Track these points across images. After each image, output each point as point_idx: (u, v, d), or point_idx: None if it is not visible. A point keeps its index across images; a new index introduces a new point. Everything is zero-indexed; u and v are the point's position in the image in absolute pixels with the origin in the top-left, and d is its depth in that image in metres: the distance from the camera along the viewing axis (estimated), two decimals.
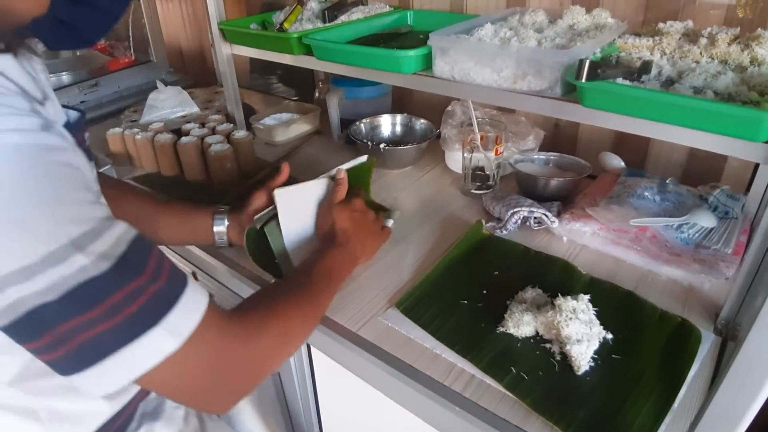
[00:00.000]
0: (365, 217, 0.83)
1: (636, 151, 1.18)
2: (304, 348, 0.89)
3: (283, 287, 0.67)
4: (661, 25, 0.88)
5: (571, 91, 0.74)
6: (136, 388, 0.65)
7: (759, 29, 0.78)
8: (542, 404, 0.62)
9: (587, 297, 0.72)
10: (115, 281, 0.42)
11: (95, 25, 0.51)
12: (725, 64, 0.74)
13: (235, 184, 1.16)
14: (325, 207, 0.82)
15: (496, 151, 1.05)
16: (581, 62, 0.64)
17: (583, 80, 0.64)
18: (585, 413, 0.61)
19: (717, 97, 0.64)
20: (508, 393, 0.64)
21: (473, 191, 1.09)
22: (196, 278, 1.05)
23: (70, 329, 0.40)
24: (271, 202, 0.82)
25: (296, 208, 0.83)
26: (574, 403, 0.62)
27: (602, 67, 0.66)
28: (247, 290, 0.88)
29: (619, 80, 0.69)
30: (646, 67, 0.73)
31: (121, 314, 0.41)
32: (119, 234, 0.43)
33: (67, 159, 0.42)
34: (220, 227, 0.85)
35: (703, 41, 0.80)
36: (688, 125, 0.62)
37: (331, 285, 0.72)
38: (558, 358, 0.68)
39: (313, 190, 0.84)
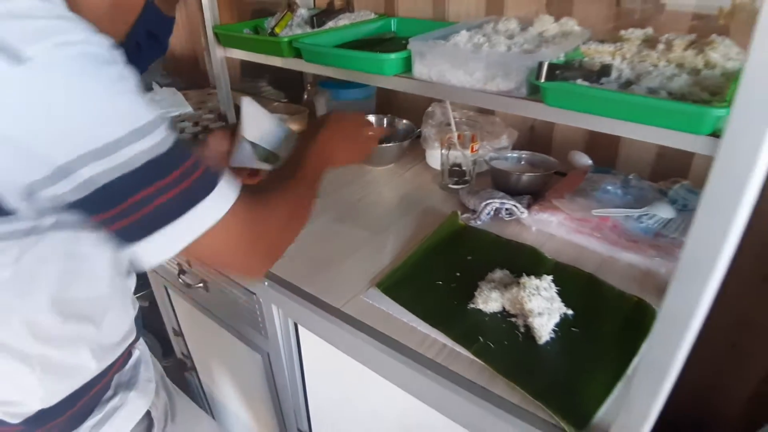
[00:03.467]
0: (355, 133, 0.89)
1: (607, 151, 1.26)
2: (291, 327, 0.95)
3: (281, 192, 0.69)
4: (623, 32, 0.97)
5: (535, 92, 0.81)
6: (116, 355, 0.71)
7: (713, 35, 0.87)
8: (506, 369, 0.69)
9: (550, 277, 0.80)
10: (175, 160, 0.49)
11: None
12: (681, 67, 0.82)
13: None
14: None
15: (472, 148, 1.13)
16: (540, 64, 0.72)
17: (542, 80, 0.72)
18: (545, 377, 0.68)
19: (670, 97, 0.72)
20: (476, 359, 0.71)
21: (451, 186, 1.16)
22: (189, 266, 1.12)
23: (138, 201, 0.47)
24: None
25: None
26: (535, 368, 0.70)
27: (561, 69, 0.75)
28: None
29: (579, 81, 0.77)
30: (605, 70, 0.81)
31: (179, 187, 0.49)
32: (170, 128, 0.51)
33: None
34: None
35: (661, 47, 0.88)
36: (637, 121, 0.70)
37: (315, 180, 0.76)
38: (522, 330, 0.76)
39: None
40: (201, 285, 1.10)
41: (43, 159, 0.44)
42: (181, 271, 1.14)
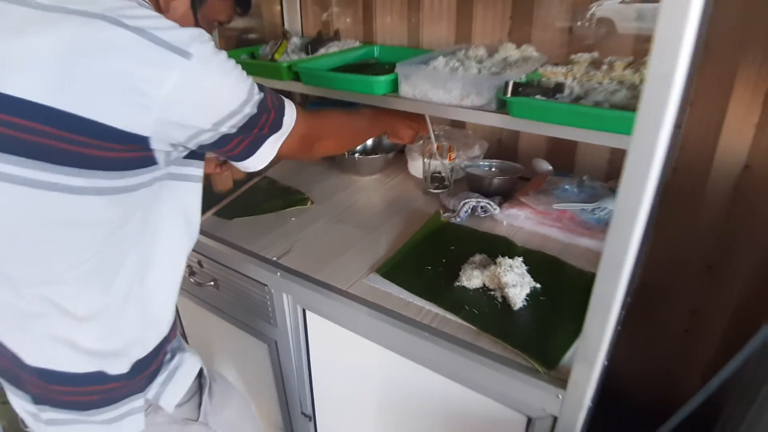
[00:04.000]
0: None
1: (565, 158, 1.45)
2: (300, 315, 1.09)
3: (352, 115, 1.09)
4: (573, 56, 1.16)
5: (503, 106, 0.99)
6: (171, 320, 0.85)
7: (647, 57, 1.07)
8: (489, 327, 0.85)
9: (520, 258, 0.97)
10: (266, 105, 0.75)
11: None
12: (621, 84, 1.01)
13: (231, 190, 1.36)
14: None
15: (450, 157, 1.30)
16: (506, 83, 0.89)
17: (508, 96, 0.90)
18: (521, 334, 0.84)
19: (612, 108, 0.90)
20: (464, 323, 0.87)
21: (432, 190, 1.33)
22: (201, 266, 1.24)
23: (257, 130, 0.76)
24: None
25: None
26: (512, 328, 0.86)
27: (523, 87, 0.92)
28: (249, 267, 1.08)
29: (538, 96, 0.95)
30: (559, 87, 0.99)
31: (275, 109, 0.78)
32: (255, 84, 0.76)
33: None
34: None
35: (605, 67, 1.08)
36: (585, 127, 0.88)
37: (372, 131, 1.17)
38: (500, 300, 0.92)
39: None
40: (212, 283, 1.22)
41: (203, 123, 0.67)
42: (192, 273, 1.25)
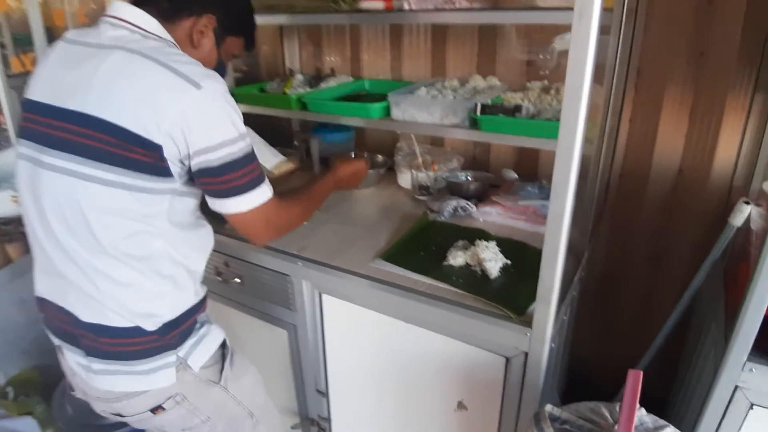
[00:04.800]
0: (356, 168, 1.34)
1: (529, 167, 1.72)
2: (317, 299, 1.32)
3: (306, 191, 1.16)
4: (528, 84, 1.46)
5: (474, 124, 1.26)
6: (201, 295, 1.05)
7: None
8: (472, 290, 1.10)
9: (494, 242, 1.22)
10: (252, 159, 0.92)
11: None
12: None
13: None
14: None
15: (433, 169, 1.57)
16: (476, 105, 1.17)
17: (478, 114, 1.17)
18: (497, 292, 1.09)
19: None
20: (452, 288, 1.11)
21: (419, 197, 1.59)
22: (227, 266, 1.46)
23: (239, 175, 0.89)
24: None
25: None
26: (489, 289, 1.11)
27: (489, 108, 1.20)
28: (272, 261, 1.32)
29: (500, 115, 1.23)
30: (518, 108, 1.27)
31: (255, 172, 0.92)
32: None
33: None
34: None
35: (553, 92, 1.37)
36: (538, 136, 1.16)
37: (327, 193, 1.23)
38: (479, 273, 1.17)
39: None
40: (237, 280, 1.44)
41: (199, 144, 0.85)
42: (218, 273, 1.47)
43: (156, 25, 0.92)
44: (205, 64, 0.94)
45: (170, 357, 0.97)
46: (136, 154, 0.84)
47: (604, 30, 0.78)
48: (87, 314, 0.93)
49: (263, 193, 0.95)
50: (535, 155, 1.69)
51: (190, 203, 0.97)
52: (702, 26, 1.37)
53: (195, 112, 0.83)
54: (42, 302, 1.01)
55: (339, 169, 1.28)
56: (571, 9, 0.74)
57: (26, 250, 1.45)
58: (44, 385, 1.82)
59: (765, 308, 0.84)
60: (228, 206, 0.93)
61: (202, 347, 1.03)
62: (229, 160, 0.88)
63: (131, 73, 0.84)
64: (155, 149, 0.84)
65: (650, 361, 1.32)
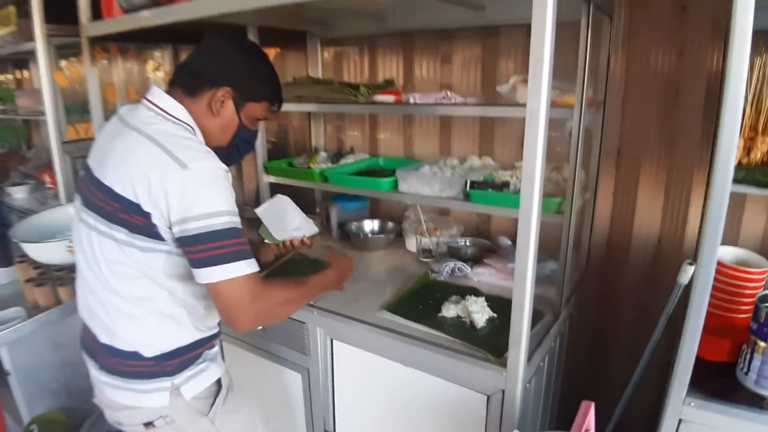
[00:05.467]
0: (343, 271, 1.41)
1: None
2: (328, 344, 1.51)
3: (293, 285, 1.19)
4: (516, 163, 1.70)
5: (467, 197, 1.50)
6: (207, 332, 1.19)
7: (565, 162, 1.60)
8: (460, 337, 1.29)
9: (483, 297, 1.42)
10: (236, 233, 1.01)
11: (239, 158, 1.27)
12: (548, 181, 1.53)
13: (272, 262, 1.83)
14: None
15: (436, 235, 1.80)
16: (466, 181, 1.41)
17: (468, 189, 1.41)
18: (479, 340, 1.28)
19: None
20: (444, 335, 1.31)
21: (423, 259, 1.81)
22: None
23: (217, 245, 0.98)
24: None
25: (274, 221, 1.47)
26: (475, 336, 1.30)
27: (479, 184, 1.44)
28: None
29: (489, 190, 1.46)
30: (506, 184, 1.50)
31: (232, 248, 0.99)
32: (237, 217, 1.04)
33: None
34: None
35: None
36: (516, 207, 1.38)
37: (314, 292, 1.27)
38: (468, 324, 1.36)
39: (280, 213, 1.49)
40: (260, 327, 1.65)
41: (178, 214, 0.98)
42: None
43: (178, 109, 1.12)
44: (226, 129, 1.17)
45: (165, 382, 1.12)
46: (134, 219, 1.02)
47: (554, 125, 1.02)
48: (103, 336, 1.12)
49: (239, 268, 1.00)
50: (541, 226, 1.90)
51: (177, 263, 1.08)
52: (670, 113, 1.61)
53: (177, 188, 0.98)
54: (83, 321, 1.22)
55: (330, 272, 1.35)
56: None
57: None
58: (69, 427, 1.91)
59: (695, 351, 1.01)
60: (200, 275, 1.01)
61: (197, 380, 1.16)
62: (204, 232, 0.98)
63: (135, 154, 1.03)
64: (146, 216, 1.01)
65: (627, 404, 1.45)
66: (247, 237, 1.29)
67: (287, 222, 1.45)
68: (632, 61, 1.67)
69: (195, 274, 1.02)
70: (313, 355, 1.56)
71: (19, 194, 2.97)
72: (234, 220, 1.02)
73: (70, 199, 2.34)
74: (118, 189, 1.02)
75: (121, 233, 1.04)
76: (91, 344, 1.17)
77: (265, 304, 1.07)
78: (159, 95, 1.12)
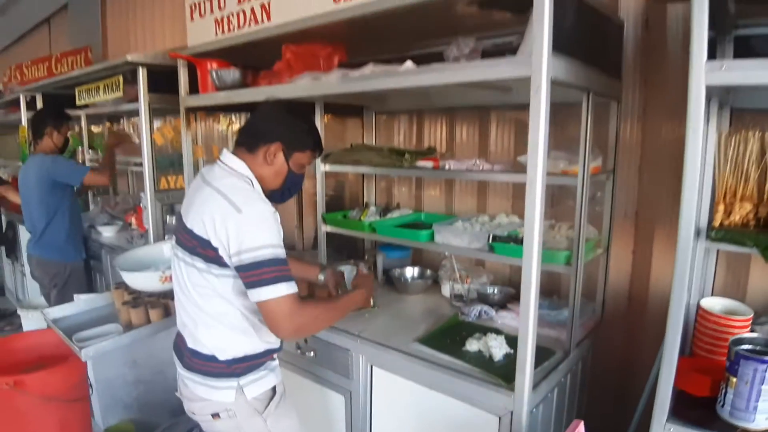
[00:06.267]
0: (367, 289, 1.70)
1: (549, 285, 2.14)
2: (369, 370, 1.77)
3: (325, 304, 1.53)
4: None
5: (491, 249, 1.76)
6: (270, 345, 1.47)
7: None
8: (480, 366, 1.52)
9: (502, 336, 1.65)
10: (280, 261, 1.30)
11: (290, 196, 1.61)
12: (565, 237, 1.77)
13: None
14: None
15: (467, 282, 2.05)
16: (489, 235, 1.68)
17: (490, 241, 1.68)
18: (496, 369, 1.51)
19: (559, 250, 1.65)
20: (466, 364, 1.54)
21: (455, 303, 2.06)
22: (306, 342, 1.96)
23: (265, 271, 1.28)
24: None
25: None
26: (492, 366, 1.53)
27: (500, 238, 1.70)
28: (339, 338, 1.80)
29: (511, 243, 1.72)
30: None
31: (274, 273, 1.28)
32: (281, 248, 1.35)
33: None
34: (321, 276, 1.82)
35: (556, 228, 1.85)
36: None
37: (344, 311, 1.56)
38: (487, 357, 1.59)
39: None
40: (312, 353, 1.93)
41: (234, 248, 1.28)
42: (298, 347, 1.97)
43: (240, 165, 1.42)
44: (279, 175, 1.47)
45: (233, 382, 1.41)
46: (207, 252, 1.33)
47: (565, 191, 1.28)
48: (190, 342, 1.44)
49: (281, 289, 1.28)
50: (556, 276, 2.11)
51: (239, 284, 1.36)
52: (679, 178, 1.82)
53: (234, 227, 1.28)
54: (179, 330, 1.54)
55: (356, 294, 1.63)
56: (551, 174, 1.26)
57: (165, 314, 2.03)
58: None
59: (671, 382, 1.20)
60: (252, 295, 1.29)
61: (258, 383, 1.45)
62: (253, 261, 1.27)
63: (207, 203, 1.33)
64: (215, 250, 1.32)
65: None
66: (306, 273, 1.70)
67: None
68: (647, 133, 1.91)
69: (249, 294, 1.30)
70: (355, 379, 1.82)
71: (107, 233, 3.47)
72: (276, 252, 1.30)
73: (158, 239, 2.76)
74: (196, 230, 1.34)
75: (200, 263, 1.36)
76: (181, 348, 1.49)
77: (302, 318, 1.34)
78: (227, 156, 1.45)
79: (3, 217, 4.40)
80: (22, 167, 3.15)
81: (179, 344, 1.51)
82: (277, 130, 1.45)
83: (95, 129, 4.28)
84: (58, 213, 2.96)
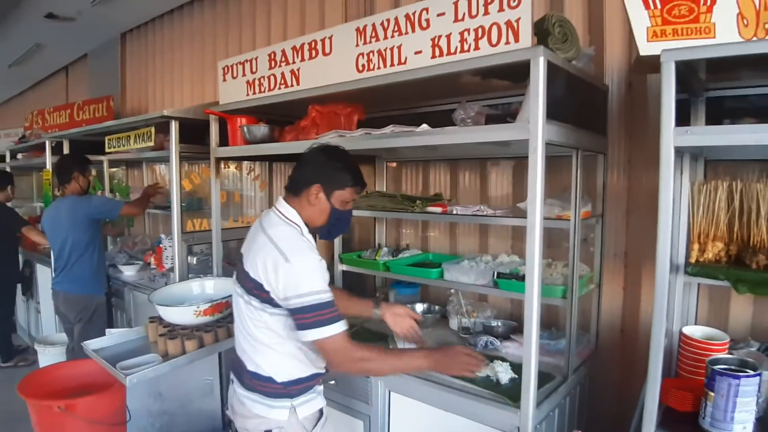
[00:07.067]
0: (455, 353, 1.67)
1: (549, 317, 2.34)
2: (387, 395, 1.95)
3: (383, 351, 1.71)
4: None
5: (496, 285, 1.97)
6: (316, 370, 1.66)
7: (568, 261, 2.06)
8: (488, 388, 1.71)
9: (507, 363, 1.85)
10: (330, 305, 1.48)
11: (340, 232, 1.82)
12: (560, 275, 1.99)
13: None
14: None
15: (473, 316, 2.26)
16: (494, 272, 1.90)
17: (495, 277, 1.90)
18: (503, 390, 1.70)
19: (555, 284, 1.86)
20: (476, 387, 1.73)
21: (462, 335, 2.26)
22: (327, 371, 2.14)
23: (311, 315, 1.47)
24: None
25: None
26: (499, 388, 1.72)
27: (504, 275, 1.92)
28: None
29: (513, 280, 1.94)
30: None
31: (319, 317, 1.46)
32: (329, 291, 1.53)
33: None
34: (377, 311, 1.98)
35: (552, 266, 2.08)
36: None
37: (404, 368, 1.71)
38: (495, 381, 1.79)
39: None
40: (333, 382, 2.11)
41: (283, 294, 1.47)
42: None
43: (291, 212, 1.58)
44: (321, 214, 1.61)
45: (287, 402, 1.57)
46: (261, 294, 1.50)
47: (560, 234, 1.50)
48: (250, 365, 1.61)
49: (325, 331, 1.44)
50: (554, 310, 2.32)
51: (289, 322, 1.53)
52: None
53: (282, 275, 1.45)
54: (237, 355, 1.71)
55: (420, 355, 1.67)
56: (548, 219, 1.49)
57: (200, 345, 2.19)
58: None
59: (657, 396, 1.40)
60: (300, 335, 1.48)
61: (309, 404, 1.62)
62: (299, 306, 1.44)
63: (261, 251, 1.51)
64: (266, 292, 1.49)
65: None
66: (360, 311, 1.94)
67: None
68: (632, 181, 2.16)
69: (298, 334, 1.49)
70: (374, 405, 1.99)
71: (129, 272, 3.68)
72: (320, 297, 1.45)
73: (183, 277, 2.95)
74: (251, 273, 1.52)
75: (255, 301, 1.54)
76: (239, 370, 1.66)
77: (347, 356, 1.50)
78: (281, 203, 1.64)
79: (21, 256, 4.58)
80: (49, 208, 3.37)
81: (238, 368, 1.68)
82: (314, 173, 1.61)
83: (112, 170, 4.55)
84: (89, 250, 3.17)
